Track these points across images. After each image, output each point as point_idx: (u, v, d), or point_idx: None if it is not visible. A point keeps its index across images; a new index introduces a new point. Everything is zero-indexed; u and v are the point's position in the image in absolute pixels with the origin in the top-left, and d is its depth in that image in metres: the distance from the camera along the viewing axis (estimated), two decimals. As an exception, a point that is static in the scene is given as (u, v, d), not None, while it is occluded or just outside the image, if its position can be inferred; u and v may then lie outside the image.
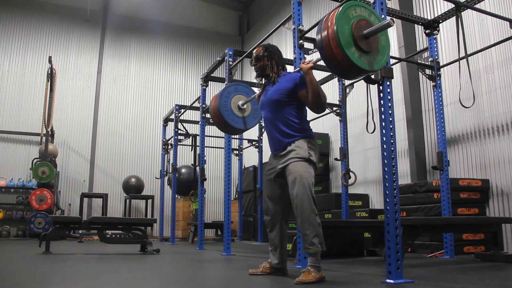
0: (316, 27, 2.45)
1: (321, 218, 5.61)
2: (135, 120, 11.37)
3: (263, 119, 2.94)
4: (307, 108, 2.80)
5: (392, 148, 2.65)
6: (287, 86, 2.75)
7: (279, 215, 2.83)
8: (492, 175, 5.10)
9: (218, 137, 8.73)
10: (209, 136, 7.55)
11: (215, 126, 8.29)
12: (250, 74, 12.12)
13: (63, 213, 9.66)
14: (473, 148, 5.39)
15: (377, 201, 6.84)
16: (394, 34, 6.35)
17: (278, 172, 2.75)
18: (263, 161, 8.15)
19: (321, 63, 2.65)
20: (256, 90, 3.23)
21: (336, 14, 2.33)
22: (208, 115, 6.38)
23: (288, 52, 9.69)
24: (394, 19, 5.39)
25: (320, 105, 2.66)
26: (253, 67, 2.99)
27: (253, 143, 8.58)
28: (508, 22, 4.44)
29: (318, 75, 7.01)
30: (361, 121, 6.90)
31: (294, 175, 2.60)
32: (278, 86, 2.80)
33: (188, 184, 9.30)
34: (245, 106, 3.58)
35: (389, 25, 2.35)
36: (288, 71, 2.98)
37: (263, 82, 3.01)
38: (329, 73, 6.09)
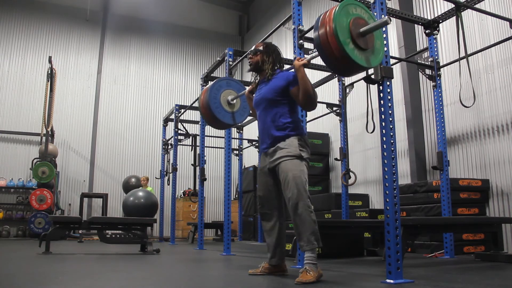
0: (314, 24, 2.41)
1: (321, 218, 5.61)
2: (135, 120, 11.38)
3: (257, 117, 2.92)
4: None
5: (392, 148, 2.65)
6: (279, 84, 2.75)
7: (275, 210, 2.83)
8: (492, 175, 5.10)
9: (218, 137, 8.73)
10: (209, 136, 7.54)
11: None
12: (250, 74, 12.11)
13: (63, 213, 9.67)
14: (473, 148, 5.38)
15: (377, 201, 6.84)
16: (394, 34, 6.35)
17: (270, 169, 2.76)
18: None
19: (318, 61, 2.64)
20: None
21: (336, 8, 2.30)
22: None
23: (288, 52, 9.69)
24: (394, 18, 5.39)
25: (310, 102, 2.64)
26: (249, 60, 2.96)
27: (253, 143, 8.57)
28: (508, 22, 4.44)
29: (318, 75, 7.01)
30: (361, 121, 6.90)
31: (286, 174, 2.61)
32: (271, 84, 2.80)
33: (144, 211, 7.89)
34: (234, 101, 3.53)
35: (386, 23, 2.34)
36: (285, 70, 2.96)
37: (256, 80, 3.01)
38: (329, 73, 6.09)
